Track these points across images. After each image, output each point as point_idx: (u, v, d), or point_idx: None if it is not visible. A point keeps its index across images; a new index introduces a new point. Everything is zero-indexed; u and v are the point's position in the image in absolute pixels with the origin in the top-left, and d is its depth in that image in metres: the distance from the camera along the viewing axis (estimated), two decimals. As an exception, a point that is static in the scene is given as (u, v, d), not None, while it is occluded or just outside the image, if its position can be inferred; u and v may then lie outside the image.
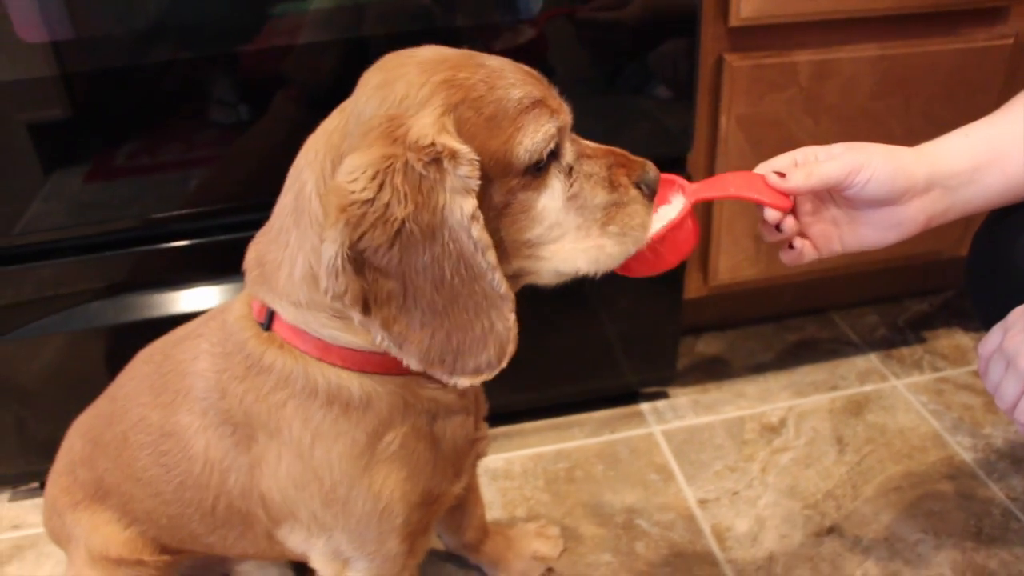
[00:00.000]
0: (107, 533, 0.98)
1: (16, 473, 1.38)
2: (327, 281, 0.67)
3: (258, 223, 1.19)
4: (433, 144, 0.66)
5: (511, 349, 0.73)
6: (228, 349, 0.83)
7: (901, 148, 0.91)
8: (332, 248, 0.66)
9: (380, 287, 0.68)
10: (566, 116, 0.75)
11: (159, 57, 1.12)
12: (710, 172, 1.39)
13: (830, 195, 0.94)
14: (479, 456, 0.97)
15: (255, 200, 1.21)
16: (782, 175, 0.88)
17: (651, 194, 0.80)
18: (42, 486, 1.40)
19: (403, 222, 0.66)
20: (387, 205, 0.65)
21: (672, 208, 0.86)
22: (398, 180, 0.65)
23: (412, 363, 0.72)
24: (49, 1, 1.05)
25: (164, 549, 1.01)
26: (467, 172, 0.67)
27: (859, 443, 1.45)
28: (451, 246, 0.68)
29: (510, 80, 0.71)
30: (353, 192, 0.65)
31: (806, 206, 0.94)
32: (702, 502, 1.35)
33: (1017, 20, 1.38)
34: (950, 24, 1.37)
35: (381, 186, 0.65)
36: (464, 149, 0.67)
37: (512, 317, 0.72)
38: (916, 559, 1.23)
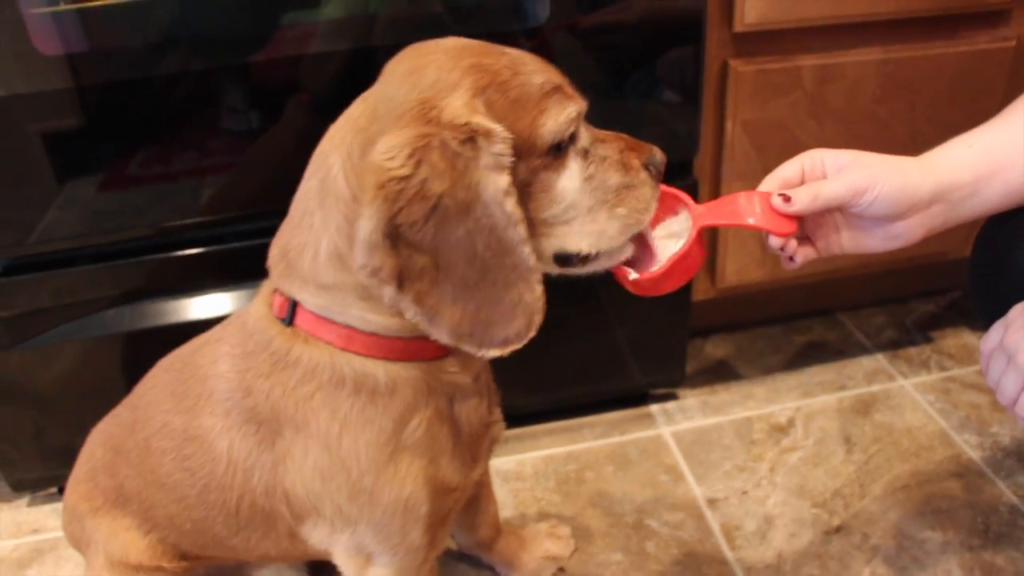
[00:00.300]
0: (127, 539, 1.00)
1: (35, 478, 1.40)
2: (363, 256, 0.70)
3: (271, 230, 1.21)
4: (468, 123, 0.69)
5: (539, 320, 0.75)
6: (250, 349, 0.85)
7: (906, 161, 0.91)
8: (369, 224, 0.68)
9: (414, 262, 0.71)
10: (583, 101, 0.78)
11: (171, 68, 1.14)
12: (716, 176, 1.40)
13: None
14: (493, 441, 0.99)
15: (268, 207, 1.23)
16: (787, 198, 0.89)
17: (658, 175, 0.83)
18: (60, 491, 1.43)
19: (439, 198, 0.69)
20: (424, 181, 0.68)
21: (677, 223, 0.89)
22: (435, 157, 0.68)
23: (443, 336, 0.74)
24: (65, 15, 1.07)
25: (184, 555, 1.02)
26: (501, 149, 0.70)
27: (867, 442, 1.46)
28: (484, 221, 0.71)
29: (531, 67, 0.75)
30: (391, 169, 0.68)
31: (791, 250, 0.96)
32: (711, 502, 1.36)
33: (1019, 23, 1.39)
34: (952, 27, 1.38)
35: (419, 164, 0.68)
36: (498, 128, 0.70)
37: (540, 288, 0.75)
38: (924, 557, 1.25)
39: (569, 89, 0.77)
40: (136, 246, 1.24)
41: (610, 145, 0.81)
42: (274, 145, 1.21)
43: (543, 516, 1.35)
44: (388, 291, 0.72)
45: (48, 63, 1.10)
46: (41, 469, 1.37)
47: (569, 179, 0.77)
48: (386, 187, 0.68)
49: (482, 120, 0.70)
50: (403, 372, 0.82)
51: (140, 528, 1.00)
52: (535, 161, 0.75)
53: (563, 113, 0.74)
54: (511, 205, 0.71)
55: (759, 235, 1.42)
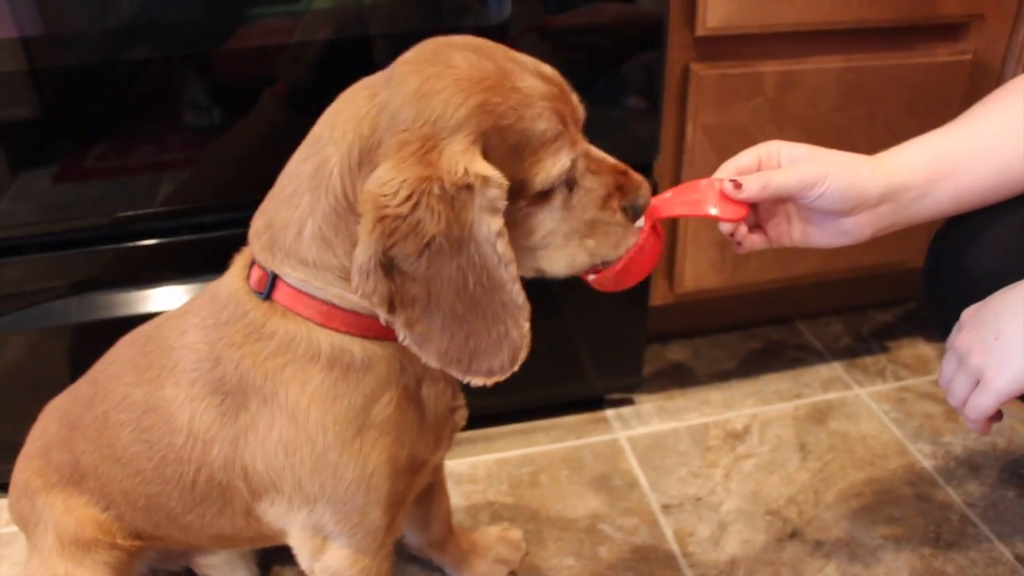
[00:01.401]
0: (81, 516, 0.98)
1: (-26, 473, 1.36)
2: (358, 280, 0.73)
3: (227, 223, 1.20)
4: (466, 171, 0.71)
5: (523, 355, 0.78)
6: (223, 320, 0.85)
7: (860, 159, 0.93)
8: (365, 253, 0.71)
9: (406, 290, 0.73)
10: (581, 145, 0.80)
11: (131, 56, 1.11)
12: (676, 180, 1.40)
13: None
14: (456, 427, 0.99)
15: (225, 201, 1.22)
16: (738, 185, 0.90)
17: (635, 218, 0.85)
18: (3, 488, 1.39)
19: (434, 237, 0.71)
20: (420, 221, 0.70)
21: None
22: (432, 200, 0.70)
23: (431, 360, 0.76)
24: (18, -4, 1.05)
25: (138, 534, 1.01)
26: (496, 195, 0.72)
27: (822, 450, 1.46)
28: (476, 259, 0.73)
29: (537, 110, 0.74)
30: (388, 207, 0.70)
31: (741, 235, 0.98)
32: (665, 507, 1.35)
33: (976, 37, 1.41)
34: (912, 39, 1.39)
35: (416, 205, 0.70)
36: (495, 175, 0.72)
37: (527, 326, 0.77)
38: (876, 563, 1.25)
39: (571, 132, 0.78)
40: (88, 236, 1.21)
41: (600, 179, 0.82)
42: (235, 140, 1.19)
43: (496, 519, 1.33)
44: (380, 313, 0.75)
45: (1, 46, 1.07)
46: (-18, 463, 1.34)
47: (551, 212, 0.79)
48: (383, 222, 0.70)
49: (479, 167, 0.71)
50: (379, 350, 0.83)
51: (97, 504, 0.98)
52: (523, 201, 0.77)
53: (556, 165, 0.76)
54: (503, 246, 0.73)
55: (718, 240, 1.43)
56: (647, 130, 1.29)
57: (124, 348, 0.97)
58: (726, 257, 1.47)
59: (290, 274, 0.81)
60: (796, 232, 0.97)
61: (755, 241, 0.98)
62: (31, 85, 1.11)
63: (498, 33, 1.18)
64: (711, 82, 1.31)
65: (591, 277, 0.87)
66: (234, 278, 0.87)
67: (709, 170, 1.36)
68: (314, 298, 0.81)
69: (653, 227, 0.87)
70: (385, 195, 0.70)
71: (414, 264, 0.72)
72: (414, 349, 0.76)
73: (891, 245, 1.53)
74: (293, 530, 0.91)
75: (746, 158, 0.94)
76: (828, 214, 0.93)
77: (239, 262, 0.88)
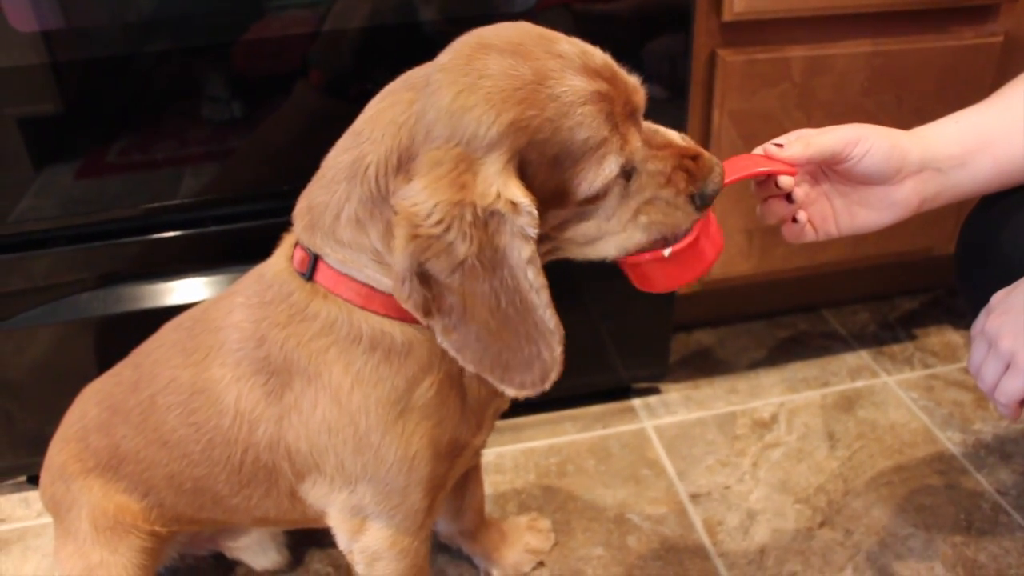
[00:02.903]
0: (119, 502, 0.99)
1: (4, 466, 1.37)
2: (396, 284, 0.74)
3: (252, 214, 1.20)
4: (498, 196, 0.70)
5: (554, 376, 0.77)
6: (268, 299, 0.86)
7: (894, 129, 0.92)
8: (402, 262, 0.72)
9: (443, 299, 0.74)
10: (634, 143, 0.76)
11: (151, 48, 1.11)
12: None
13: (825, 175, 0.94)
14: (499, 410, 0.99)
15: (248, 192, 1.22)
16: (780, 145, 0.89)
17: (703, 206, 0.81)
18: (29, 480, 1.40)
19: (466, 258, 0.71)
20: (452, 243, 0.71)
21: None
22: (465, 224, 0.70)
23: (467, 366, 0.77)
24: (41, -11, 1.05)
25: (177, 519, 1.02)
26: (526, 222, 0.71)
27: (850, 439, 1.45)
28: (508, 281, 0.73)
29: (576, 118, 0.72)
30: (421, 226, 0.70)
31: (802, 186, 0.95)
32: (693, 496, 1.35)
33: (1006, 18, 1.39)
34: (941, 22, 1.37)
35: (448, 228, 0.70)
36: (524, 202, 0.71)
37: (559, 349, 0.76)
38: (907, 553, 1.24)
39: (621, 132, 0.74)
40: (113, 228, 1.22)
41: (662, 164, 0.79)
42: (269, 131, 1.19)
43: (523, 509, 1.33)
44: (418, 318, 0.75)
45: (24, 40, 1.07)
46: (10, 457, 1.34)
47: (606, 207, 0.78)
48: (416, 240, 0.71)
49: (512, 192, 0.71)
50: (419, 334, 0.83)
51: (134, 492, 0.99)
52: (572, 206, 0.77)
53: (600, 175, 0.74)
54: (533, 273, 0.73)
55: (745, 226, 1.41)
56: (673, 117, 1.28)
57: (170, 332, 0.98)
58: (753, 244, 1.45)
59: (330, 255, 0.82)
60: (842, 216, 0.94)
61: (806, 230, 0.95)
62: (53, 80, 1.11)
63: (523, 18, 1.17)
64: (738, 68, 1.30)
65: (650, 255, 0.83)
66: (279, 258, 0.88)
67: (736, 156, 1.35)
68: (354, 280, 0.82)
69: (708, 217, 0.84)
70: (418, 215, 0.70)
71: (448, 278, 0.73)
72: (451, 353, 0.77)
73: (918, 231, 1.52)
74: (333, 511, 0.92)
75: (776, 141, 0.93)
76: (873, 184, 0.92)
77: (286, 243, 0.89)
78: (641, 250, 0.82)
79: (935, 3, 1.33)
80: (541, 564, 1.24)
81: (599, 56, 0.75)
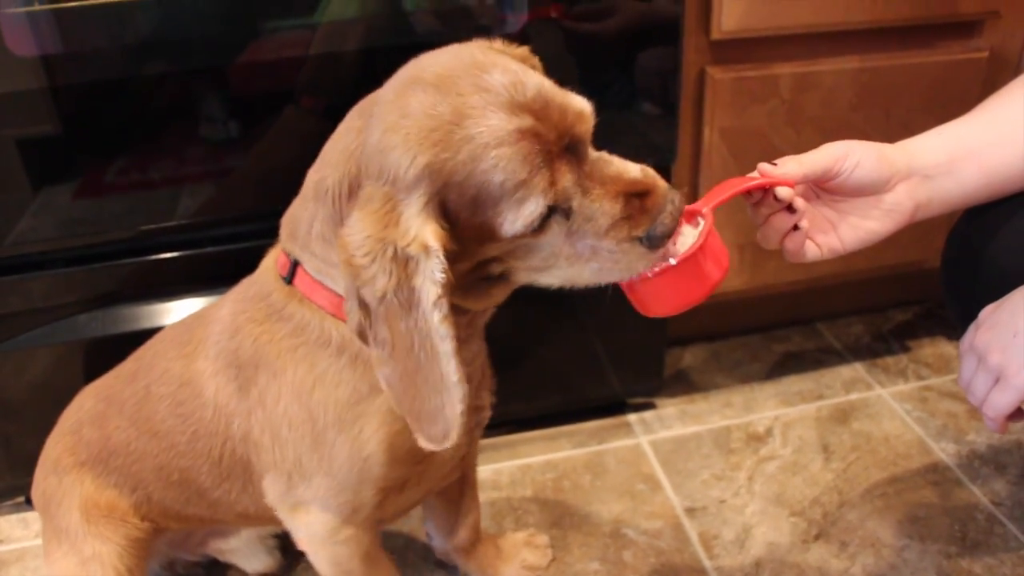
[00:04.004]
0: (110, 496, 1.02)
1: (1, 487, 1.38)
2: (345, 303, 0.76)
3: (248, 235, 1.21)
4: (414, 238, 0.71)
5: (454, 435, 0.76)
6: (251, 295, 0.91)
7: (877, 143, 0.94)
8: (344, 284, 0.75)
9: (377, 329, 0.75)
10: (561, 183, 0.72)
11: (148, 72, 1.13)
12: (694, 183, 1.40)
13: (817, 195, 0.96)
14: (479, 425, 1.00)
15: (245, 213, 1.23)
16: (774, 164, 0.91)
17: (653, 247, 0.76)
18: (27, 501, 1.40)
19: (386, 292, 0.72)
20: (375, 276, 0.72)
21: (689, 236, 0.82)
22: (386, 260, 0.72)
23: (394, 405, 0.79)
24: (40, 15, 1.06)
25: (164, 514, 1.04)
26: (435, 266, 0.71)
27: (845, 451, 1.46)
28: (421, 324, 0.73)
29: (491, 161, 0.70)
30: (354, 255, 0.72)
31: (800, 204, 0.95)
32: (689, 511, 1.35)
33: (991, 34, 1.41)
34: (927, 38, 1.39)
35: (373, 260, 0.72)
36: (434, 247, 0.71)
37: (460, 407, 0.75)
38: (902, 565, 1.24)
39: (545, 172, 0.70)
40: (110, 250, 1.23)
41: (603, 205, 0.74)
42: (260, 155, 1.20)
43: (520, 525, 1.34)
44: (358, 341, 0.78)
45: (23, 65, 1.08)
46: (8, 478, 1.35)
47: (548, 240, 0.75)
48: (349, 267, 0.73)
49: (425, 236, 0.71)
50: None
51: (124, 486, 1.02)
52: (500, 241, 0.75)
53: (520, 216, 0.71)
54: (439, 318, 0.72)
55: (737, 241, 1.42)
56: (664, 134, 1.30)
57: (173, 327, 1.03)
58: (745, 259, 1.47)
59: (308, 262, 0.85)
60: (844, 232, 0.95)
61: (809, 249, 0.94)
62: (51, 102, 1.12)
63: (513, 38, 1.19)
64: (727, 85, 1.32)
65: (649, 274, 0.78)
66: (269, 259, 0.92)
67: (726, 174, 1.37)
68: (327, 288, 0.85)
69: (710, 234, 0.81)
70: (351, 244, 0.72)
71: (376, 309, 0.74)
72: (383, 386, 0.77)
73: (910, 244, 1.53)
74: (285, 505, 0.94)
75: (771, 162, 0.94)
76: (866, 194, 0.93)
77: (278, 245, 0.92)
78: (592, 284, 0.79)
79: (921, 20, 1.35)
80: (538, 580, 1.25)
81: (532, 86, 0.72)
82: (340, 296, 0.83)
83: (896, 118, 1.41)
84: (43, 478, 1.07)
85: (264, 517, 1.02)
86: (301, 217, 0.84)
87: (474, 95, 0.70)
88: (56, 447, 1.06)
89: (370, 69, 1.17)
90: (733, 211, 1.38)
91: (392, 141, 0.72)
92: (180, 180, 1.20)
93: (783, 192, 0.89)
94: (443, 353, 0.73)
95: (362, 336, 0.76)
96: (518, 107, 0.70)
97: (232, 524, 1.12)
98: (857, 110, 1.39)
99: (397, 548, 1.31)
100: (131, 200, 1.20)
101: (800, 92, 1.35)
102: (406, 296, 0.73)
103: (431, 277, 0.72)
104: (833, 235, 0.96)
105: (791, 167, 0.90)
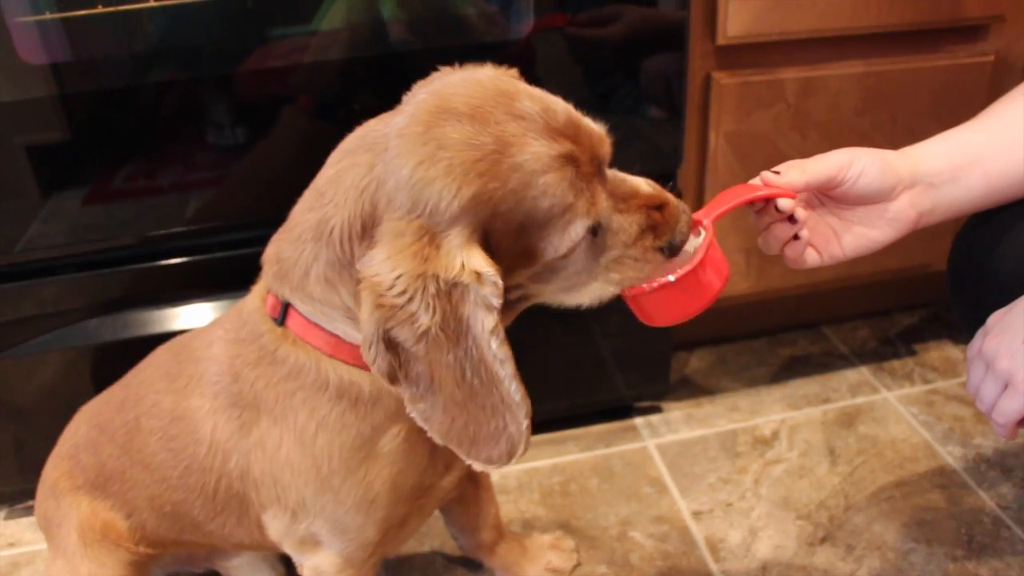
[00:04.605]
0: (106, 520, 1.01)
1: (13, 491, 1.39)
2: (363, 348, 0.73)
3: (255, 241, 1.21)
4: (463, 268, 0.69)
5: (521, 451, 0.76)
6: (242, 336, 0.87)
7: (882, 150, 0.94)
8: (367, 328, 0.71)
9: (410, 367, 0.73)
10: (600, 203, 0.74)
11: (156, 79, 1.14)
12: (700, 188, 1.41)
13: (821, 201, 0.96)
14: None
15: (254, 219, 1.24)
16: (777, 172, 0.91)
17: (672, 255, 0.81)
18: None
19: (429, 328, 0.70)
20: (415, 314, 0.70)
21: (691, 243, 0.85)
22: (428, 295, 0.69)
23: (435, 438, 0.76)
24: (50, 24, 1.07)
25: (161, 540, 1.03)
26: (491, 291, 0.70)
27: (851, 454, 1.46)
28: (473, 352, 0.72)
29: (539, 188, 0.70)
30: (385, 296, 0.69)
31: (801, 213, 0.95)
32: (696, 514, 1.36)
33: (996, 38, 1.41)
34: (933, 42, 1.40)
35: (411, 298, 0.69)
36: (489, 272, 0.70)
37: (526, 423, 0.75)
38: (908, 568, 1.25)
39: (586, 194, 0.72)
40: (119, 255, 1.24)
41: (628, 219, 0.78)
42: (262, 156, 1.21)
43: (527, 528, 1.34)
44: (384, 384, 0.75)
45: (33, 72, 1.09)
46: (20, 482, 1.36)
47: (575, 262, 0.77)
48: (380, 308, 0.70)
49: (475, 263, 0.70)
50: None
51: (120, 510, 1.01)
52: (537, 266, 0.76)
53: (566, 239, 0.73)
54: (496, 344, 0.71)
55: (743, 245, 1.43)
56: (670, 139, 1.30)
57: (160, 355, 1.00)
58: (751, 263, 1.47)
59: (300, 306, 0.82)
60: (846, 239, 0.95)
61: (810, 255, 0.95)
62: (60, 110, 1.13)
63: (518, 46, 1.19)
64: (733, 90, 1.32)
65: (647, 286, 0.81)
66: (255, 298, 0.88)
67: (732, 178, 1.38)
68: (323, 329, 0.82)
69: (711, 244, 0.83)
70: (381, 284, 0.70)
71: (414, 347, 0.71)
72: (419, 423, 0.76)
73: (915, 247, 1.53)
74: (289, 540, 0.93)
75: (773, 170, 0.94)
76: (870, 203, 0.93)
77: (263, 280, 0.88)
78: (611, 297, 0.81)
79: (926, 24, 1.35)
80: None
81: (561, 111, 0.73)
82: (337, 336, 0.81)
83: (902, 122, 1.42)
84: (43, 499, 1.07)
85: (259, 545, 1.02)
86: (295, 260, 0.80)
87: (511, 123, 0.71)
88: (55, 471, 1.05)
89: (374, 76, 1.18)
90: (738, 216, 1.38)
91: (431, 174, 0.70)
92: (188, 186, 1.21)
93: (784, 204, 0.89)
94: (505, 377, 0.73)
95: (392, 378, 0.73)
96: (555, 132, 0.72)
97: (229, 551, 1.12)
98: (863, 115, 1.40)
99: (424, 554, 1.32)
100: (139, 206, 1.21)
101: (806, 97, 1.36)
102: (453, 328, 0.71)
103: (485, 303, 0.70)
104: (835, 242, 0.96)
105: (794, 175, 0.90)
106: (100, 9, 1.08)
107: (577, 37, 1.22)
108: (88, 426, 1.03)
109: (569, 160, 0.71)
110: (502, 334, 0.72)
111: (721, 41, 1.28)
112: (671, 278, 0.80)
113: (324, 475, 0.85)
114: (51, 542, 1.06)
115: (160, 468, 0.95)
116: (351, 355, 0.82)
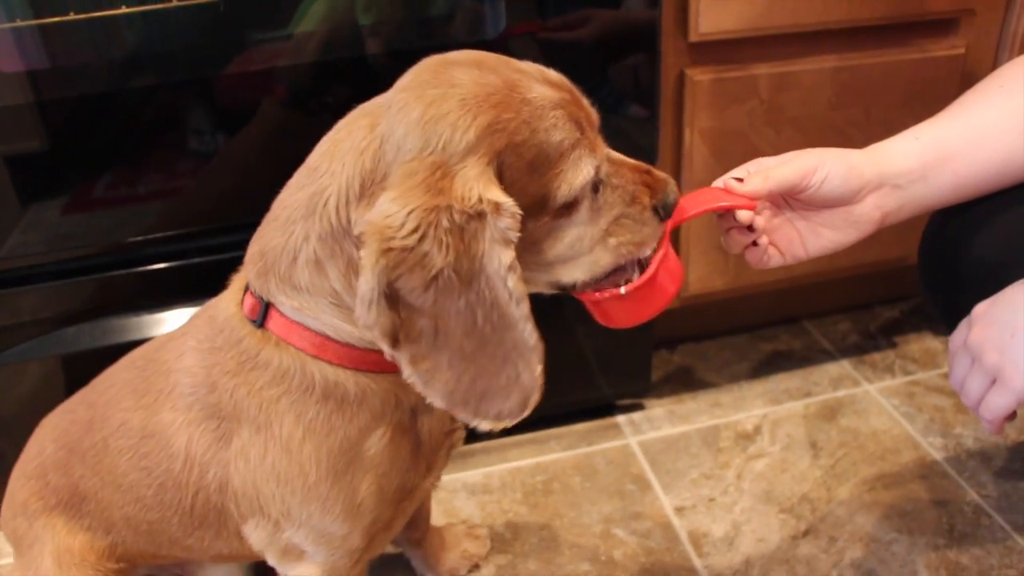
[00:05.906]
0: (84, 540, 0.99)
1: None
2: (360, 310, 0.69)
3: (234, 245, 1.21)
4: (480, 199, 0.68)
5: (535, 399, 0.74)
6: (218, 344, 0.84)
7: (850, 150, 0.93)
8: (368, 284, 0.68)
9: (412, 324, 0.70)
10: (602, 150, 0.77)
11: (135, 86, 1.14)
12: (676, 185, 1.41)
13: (787, 202, 0.96)
14: (452, 447, 0.99)
15: (232, 221, 1.24)
16: (740, 180, 0.91)
17: (666, 217, 0.82)
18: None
19: (442, 270, 0.68)
20: (427, 254, 0.67)
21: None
22: (441, 231, 0.67)
23: (436, 401, 0.73)
24: (25, 31, 1.07)
25: (140, 555, 1.01)
26: (508, 224, 0.69)
27: (833, 447, 1.47)
28: (486, 293, 0.70)
29: (550, 120, 0.72)
30: (394, 238, 0.67)
31: (764, 214, 0.96)
32: (679, 510, 1.36)
33: (967, 31, 1.42)
34: (905, 35, 1.41)
35: (423, 237, 0.67)
36: (508, 202, 0.69)
37: (539, 368, 0.73)
38: (891, 558, 1.25)
39: (589, 137, 0.75)
40: (98, 262, 1.23)
41: (625, 175, 0.79)
42: (239, 156, 1.21)
43: (510, 528, 1.34)
44: (383, 347, 0.71)
45: (9, 80, 1.09)
46: (2, 493, 1.35)
47: (578, 219, 0.77)
48: (388, 254, 0.67)
49: (493, 193, 0.68)
50: (373, 384, 0.82)
51: (97, 530, 0.98)
52: (547, 216, 0.75)
53: (579, 175, 0.73)
54: (513, 281, 0.70)
55: (721, 243, 1.44)
56: (645, 137, 1.31)
57: (122, 371, 0.97)
58: (730, 260, 1.48)
59: (284, 302, 0.80)
60: (809, 239, 0.95)
61: (772, 255, 0.96)
62: (39, 118, 1.13)
63: (493, 48, 1.20)
64: (706, 87, 1.33)
65: (609, 293, 0.83)
66: (230, 303, 0.86)
67: (708, 174, 1.38)
68: (307, 328, 0.80)
69: (668, 248, 0.85)
70: (390, 227, 0.67)
71: (420, 298, 0.69)
72: (419, 387, 0.73)
73: (893, 240, 1.54)
74: (272, 549, 0.92)
75: (735, 174, 0.94)
76: (834, 206, 0.93)
77: (236, 284, 0.87)
78: (607, 274, 0.81)
79: (898, 18, 1.36)
80: (476, 567, 1.28)
81: (555, 74, 0.77)
82: (322, 335, 0.79)
83: (875, 116, 1.43)
84: (12, 518, 1.03)
85: (238, 556, 1.01)
86: (282, 246, 0.77)
87: (514, 73, 0.73)
88: (23, 491, 1.01)
89: (350, 78, 1.18)
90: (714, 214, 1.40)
91: (443, 108, 0.69)
92: (168, 192, 1.21)
93: (742, 216, 0.91)
94: (519, 317, 0.70)
95: (393, 338, 0.70)
96: (553, 85, 0.74)
97: (208, 563, 1.10)
98: (836, 109, 1.40)
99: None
100: (119, 213, 1.20)
101: (779, 92, 1.36)
102: (466, 268, 0.68)
103: (503, 237, 0.69)
104: (798, 243, 0.96)
105: (757, 183, 0.90)
106: (72, 16, 1.07)
107: (550, 41, 1.22)
108: (55, 446, 0.99)
109: (571, 104, 0.74)
110: (519, 271, 0.70)
111: (693, 38, 1.29)
112: (622, 290, 0.82)
113: (311, 483, 0.83)
114: (20, 559, 1.03)
115: (133, 488, 0.92)
116: (336, 355, 0.80)
